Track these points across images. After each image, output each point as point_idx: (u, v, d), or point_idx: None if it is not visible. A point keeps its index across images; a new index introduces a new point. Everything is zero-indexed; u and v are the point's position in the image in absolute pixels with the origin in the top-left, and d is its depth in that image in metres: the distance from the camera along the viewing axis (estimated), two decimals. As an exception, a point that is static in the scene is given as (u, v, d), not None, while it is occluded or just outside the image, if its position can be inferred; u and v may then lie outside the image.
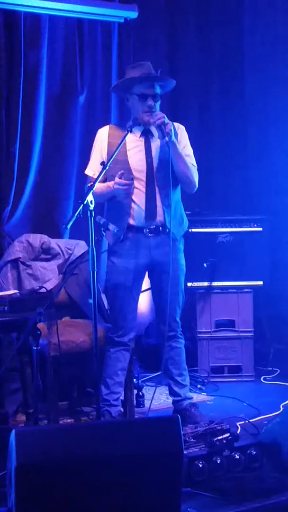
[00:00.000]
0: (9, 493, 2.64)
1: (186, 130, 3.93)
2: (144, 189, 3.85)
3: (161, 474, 2.64)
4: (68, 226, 3.34)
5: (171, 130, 3.76)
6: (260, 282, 5.06)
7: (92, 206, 3.30)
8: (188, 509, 2.88)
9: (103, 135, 3.95)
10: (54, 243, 4.64)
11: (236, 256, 5.04)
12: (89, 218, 3.31)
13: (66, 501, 2.57)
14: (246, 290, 5.06)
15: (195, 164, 4.03)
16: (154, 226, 3.85)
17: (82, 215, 3.30)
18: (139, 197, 3.84)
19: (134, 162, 3.85)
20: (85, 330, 3.93)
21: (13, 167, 4.88)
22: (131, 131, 3.76)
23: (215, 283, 5.04)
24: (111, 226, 3.57)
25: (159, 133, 3.82)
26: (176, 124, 4.02)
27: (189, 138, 3.89)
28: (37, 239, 4.60)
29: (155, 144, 3.90)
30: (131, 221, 3.85)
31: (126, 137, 3.79)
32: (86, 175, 3.97)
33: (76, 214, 3.28)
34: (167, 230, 3.86)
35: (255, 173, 5.61)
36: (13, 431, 2.60)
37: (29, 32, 4.98)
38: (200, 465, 3.09)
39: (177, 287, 3.97)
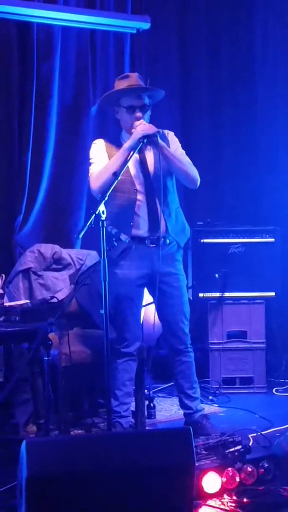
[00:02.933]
0: (19, 504, 2.63)
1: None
2: (145, 200, 3.83)
3: (173, 486, 2.62)
4: (80, 236, 3.33)
5: (158, 132, 3.72)
6: (272, 293, 5.04)
7: (104, 216, 3.29)
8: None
9: (101, 144, 3.93)
10: (65, 253, 4.64)
11: (248, 267, 5.02)
12: (101, 228, 3.30)
13: (76, 512, 2.56)
14: (258, 301, 5.03)
15: (190, 161, 3.96)
16: (156, 237, 3.83)
17: (94, 225, 3.29)
18: (141, 208, 3.83)
19: (134, 174, 3.84)
20: (95, 341, 3.92)
21: (25, 177, 4.90)
22: (144, 144, 3.70)
23: (227, 294, 5.01)
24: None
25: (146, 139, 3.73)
26: (165, 131, 3.98)
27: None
28: (48, 249, 4.60)
29: (149, 154, 3.87)
30: (134, 232, 3.83)
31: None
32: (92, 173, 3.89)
33: (88, 224, 3.27)
34: (168, 241, 3.85)
35: (267, 184, 5.60)
36: (24, 441, 2.59)
37: (42, 43, 5.01)
38: (212, 478, 3.06)
39: (181, 298, 3.95)
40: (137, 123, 3.76)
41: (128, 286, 3.86)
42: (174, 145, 3.96)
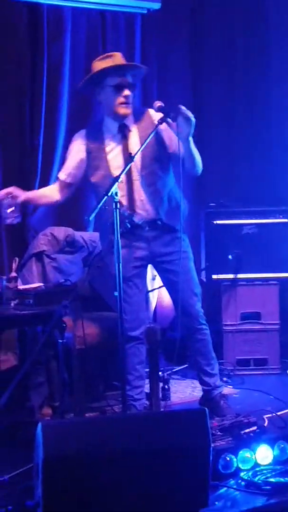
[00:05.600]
0: (36, 486, 2.64)
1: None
2: (126, 187, 3.74)
3: (188, 467, 2.62)
4: (91, 218, 3.31)
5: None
6: (286, 274, 5.01)
7: (117, 198, 3.26)
8: (216, 502, 2.86)
9: (80, 139, 3.85)
10: (78, 236, 4.63)
11: (261, 248, 5.00)
12: (115, 210, 3.27)
13: (93, 493, 2.56)
14: (272, 282, 5.01)
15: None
16: (149, 220, 3.78)
17: (108, 207, 3.26)
18: (125, 194, 3.74)
19: (115, 167, 3.72)
20: (109, 323, 3.92)
21: (37, 160, 4.90)
22: (161, 123, 3.57)
23: (240, 275, 4.99)
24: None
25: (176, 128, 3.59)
26: (150, 110, 3.82)
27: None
28: (61, 232, 4.59)
29: (134, 139, 3.76)
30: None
31: (105, 140, 3.76)
32: (58, 178, 3.93)
33: (99, 206, 3.24)
34: (161, 223, 3.78)
35: (281, 164, 5.55)
36: (40, 424, 2.60)
37: (52, 25, 4.99)
38: (228, 459, 3.07)
39: (187, 274, 3.88)
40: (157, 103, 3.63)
41: (124, 265, 3.76)
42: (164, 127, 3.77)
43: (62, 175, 3.92)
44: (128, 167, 3.44)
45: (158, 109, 3.65)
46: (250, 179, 5.63)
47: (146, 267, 3.95)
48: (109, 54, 3.84)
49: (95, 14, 5.19)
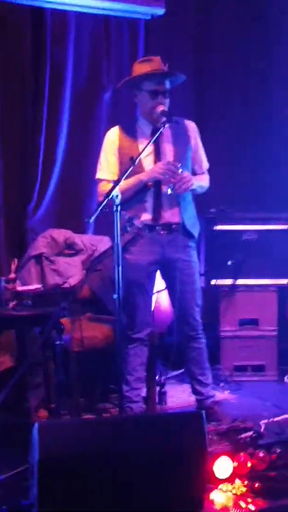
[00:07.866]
0: (31, 486, 2.63)
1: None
2: (153, 190, 3.81)
3: (184, 469, 2.62)
4: (91, 220, 3.32)
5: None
6: (285, 281, 5.02)
7: (118, 201, 3.27)
8: (212, 505, 2.86)
9: (113, 137, 3.90)
10: (78, 238, 4.64)
11: (261, 254, 4.99)
12: (115, 213, 3.28)
13: (87, 495, 2.56)
14: (271, 288, 5.02)
15: (207, 165, 4.02)
16: (166, 224, 3.82)
17: (108, 210, 3.27)
18: (150, 197, 3.82)
19: (146, 165, 3.80)
20: (107, 326, 3.92)
21: (37, 163, 4.91)
22: (164, 127, 3.68)
23: (239, 281, 5.00)
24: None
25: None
26: (187, 121, 3.98)
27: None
28: (61, 234, 4.60)
29: (167, 145, 3.84)
30: (143, 219, 3.82)
31: (138, 139, 3.80)
32: (99, 179, 3.89)
33: (100, 208, 3.25)
34: (180, 229, 3.82)
35: (282, 171, 5.55)
36: (36, 424, 2.60)
37: (55, 29, 5.00)
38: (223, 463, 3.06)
39: (193, 285, 3.93)
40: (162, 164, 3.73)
41: (138, 272, 3.84)
42: (197, 146, 3.96)
43: (105, 174, 3.88)
44: (129, 171, 3.45)
45: (161, 114, 3.71)
46: (251, 185, 5.63)
47: (156, 271, 3.96)
48: (149, 58, 3.94)
49: (99, 19, 5.20)
